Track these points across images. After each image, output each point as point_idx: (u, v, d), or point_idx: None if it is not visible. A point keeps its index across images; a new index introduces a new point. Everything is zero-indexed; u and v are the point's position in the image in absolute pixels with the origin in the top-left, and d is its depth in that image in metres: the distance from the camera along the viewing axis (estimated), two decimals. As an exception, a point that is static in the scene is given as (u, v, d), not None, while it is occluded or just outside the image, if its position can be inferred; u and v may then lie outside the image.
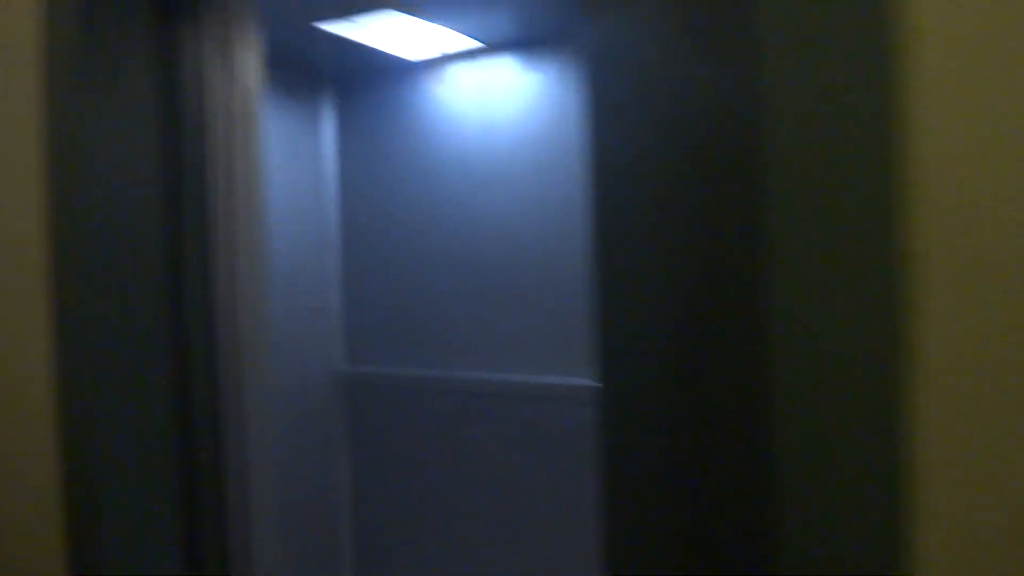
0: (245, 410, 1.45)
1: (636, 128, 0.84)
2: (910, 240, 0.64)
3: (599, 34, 0.85)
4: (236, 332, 1.44)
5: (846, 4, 0.64)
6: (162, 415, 1.36)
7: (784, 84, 0.67)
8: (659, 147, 0.83)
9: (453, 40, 2.69)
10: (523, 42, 2.78)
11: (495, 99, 2.87)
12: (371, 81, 3.17)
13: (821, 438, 0.67)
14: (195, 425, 1.40)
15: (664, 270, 0.84)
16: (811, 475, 0.68)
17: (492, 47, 2.83)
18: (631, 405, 0.87)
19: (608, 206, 0.87)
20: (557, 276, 2.77)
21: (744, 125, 0.76)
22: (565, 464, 2.78)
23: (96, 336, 1.26)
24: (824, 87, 0.65)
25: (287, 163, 3.10)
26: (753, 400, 0.78)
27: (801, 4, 0.66)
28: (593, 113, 0.87)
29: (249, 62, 1.48)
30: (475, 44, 2.76)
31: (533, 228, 2.81)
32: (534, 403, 2.83)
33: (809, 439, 0.68)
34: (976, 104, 0.61)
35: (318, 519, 3.24)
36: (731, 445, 0.80)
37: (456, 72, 2.96)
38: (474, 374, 2.96)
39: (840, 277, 0.66)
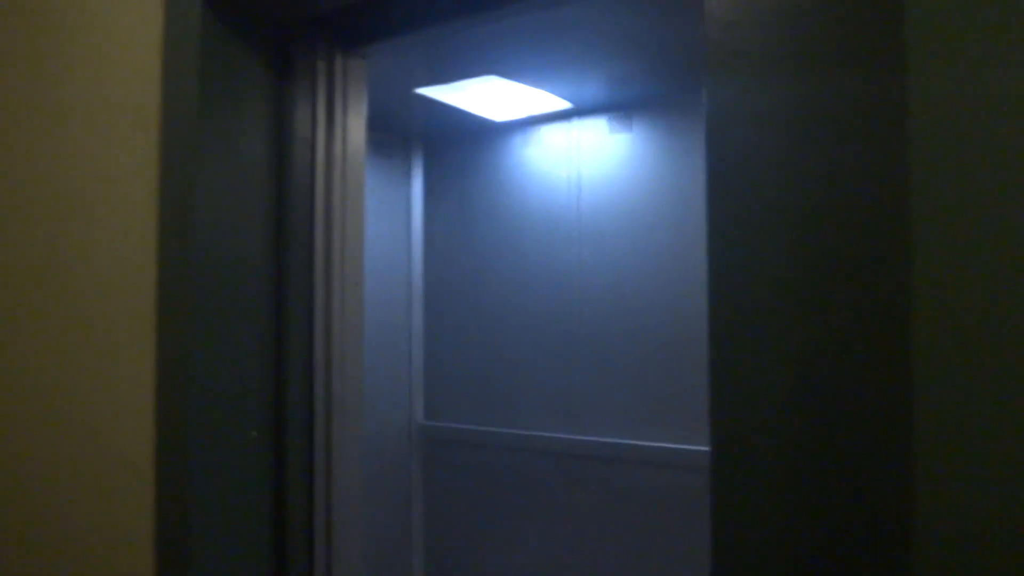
0: (337, 471, 1.46)
1: (759, 197, 0.84)
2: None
3: (722, 95, 0.85)
4: (332, 391, 1.47)
5: (1004, 71, 0.62)
6: (259, 472, 1.38)
7: (938, 154, 0.65)
8: (783, 219, 0.82)
9: (544, 101, 2.74)
10: (612, 104, 2.81)
11: (583, 159, 2.90)
12: (460, 141, 3.24)
13: (968, 531, 0.65)
14: (289, 483, 1.42)
15: (787, 342, 0.82)
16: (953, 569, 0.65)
17: (582, 109, 2.87)
18: (742, 476, 0.85)
19: (728, 274, 0.86)
20: (640, 338, 2.75)
21: (885, 213, 0.75)
22: (643, 529, 2.73)
23: (199, 391, 1.30)
24: (982, 162, 0.64)
25: (376, 219, 3.17)
26: (883, 482, 0.76)
27: (954, 69, 0.64)
28: (713, 172, 0.86)
29: (355, 126, 1.53)
30: (565, 105, 2.81)
31: (619, 287, 2.81)
32: (614, 466, 2.79)
33: (954, 530, 0.65)
34: None
35: (392, 570, 3.22)
36: (850, 533, 0.77)
37: (545, 132, 3.00)
38: (550, 434, 2.94)
39: (991, 370, 0.64)
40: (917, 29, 0.66)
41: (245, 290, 1.37)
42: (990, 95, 0.63)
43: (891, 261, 0.74)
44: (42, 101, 1.59)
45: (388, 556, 3.20)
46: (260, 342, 1.39)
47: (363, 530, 1.56)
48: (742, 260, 0.85)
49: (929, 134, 0.66)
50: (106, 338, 1.46)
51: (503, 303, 3.09)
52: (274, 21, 1.39)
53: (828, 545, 0.79)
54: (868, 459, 0.77)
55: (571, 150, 2.93)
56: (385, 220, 3.22)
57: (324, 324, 1.48)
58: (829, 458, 0.79)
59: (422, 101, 2.67)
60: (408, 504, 3.28)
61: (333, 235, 1.48)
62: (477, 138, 3.18)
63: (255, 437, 1.36)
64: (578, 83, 2.52)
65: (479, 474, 3.15)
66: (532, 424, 3.00)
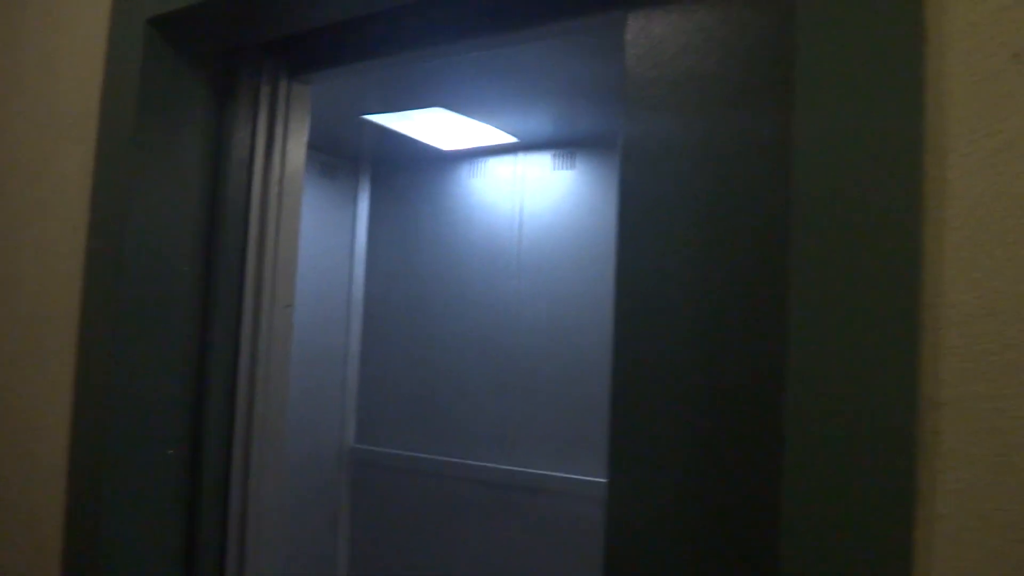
0: (255, 493, 1.47)
1: (664, 229, 0.88)
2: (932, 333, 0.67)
3: (633, 133, 0.90)
4: (254, 412, 1.48)
5: (882, 140, 0.68)
6: (174, 491, 1.38)
7: (813, 207, 0.71)
8: (685, 250, 0.87)
9: (490, 135, 2.79)
10: (557, 141, 2.88)
11: (527, 192, 2.96)
12: (408, 167, 3.27)
13: (831, 565, 0.69)
14: (203, 503, 1.42)
15: (681, 372, 0.87)
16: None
17: (526, 144, 2.93)
18: (637, 506, 0.89)
19: (630, 305, 0.90)
20: (575, 371, 2.80)
21: (776, 232, 0.81)
22: (569, 562, 2.76)
23: (118, 405, 1.30)
24: (856, 196, 0.69)
25: (320, 240, 3.18)
26: (762, 507, 0.80)
27: (836, 111, 0.70)
28: (622, 210, 0.91)
29: (295, 150, 1.55)
30: (510, 139, 2.87)
31: (556, 320, 2.86)
32: (544, 496, 2.82)
33: (819, 551, 0.70)
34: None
35: (315, 597, 3.20)
36: (737, 552, 0.82)
37: (492, 164, 3.05)
38: (482, 463, 2.96)
39: (858, 386, 0.69)
40: (804, 76, 0.72)
41: (171, 307, 1.38)
42: (861, 135, 0.70)
43: (779, 279, 0.79)
44: (-19, 107, 1.59)
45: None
46: (184, 360, 1.40)
47: (279, 553, 1.56)
48: (645, 293, 0.89)
49: (808, 165, 0.72)
50: (36, 343, 1.45)
51: (441, 330, 3.12)
52: (219, 44, 1.41)
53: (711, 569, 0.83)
54: (752, 501, 0.82)
55: (515, 183, 2.98)
56: (329, 241, 3.23)
57: (250, 345, 1.49)
58: (717, 491, 0.84)
59: (371, 127, 2.70)
60: (335, 526, 3.27)
61: (265, 256, 1.49)
62: (425, 165, 3.22)
63: (171, 455, 1.37)
64: (524, 119, 2.58)
65: (408, 500, 3.15)
66: (464, 452, 3.02)
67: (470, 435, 3.01)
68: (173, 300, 1.38)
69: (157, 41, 1.33)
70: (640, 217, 0.89)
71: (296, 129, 1.54)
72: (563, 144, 2.87)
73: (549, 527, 2.80)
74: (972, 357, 0.66)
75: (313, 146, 3.08)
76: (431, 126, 2.65)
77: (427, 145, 2.95)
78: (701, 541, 0.84)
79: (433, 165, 3.19)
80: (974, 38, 0.68)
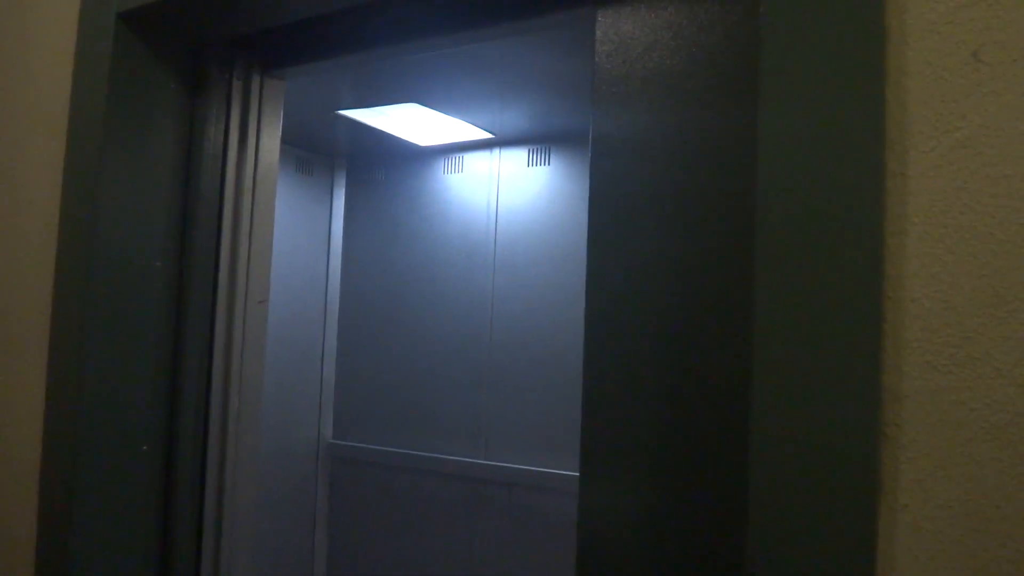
0: (230, 489, 1.46)
1: (633, 223, 0.89)
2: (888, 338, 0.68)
3: (602, 128, 0.91)
4: (228, 408, 1.47)
5: (844, 136, 0.70)
6: (148, 486, 1.38)
7: (777, 205, 0.72)
8: (655, 244, 0.88)
9: (465, 130, 2.79)
10: (532, 137, 2.88)
11: (502, 188, 2.96)
12: (385, 162, 3.26)
13: (795, 554, 0.71)
14: (177, 499, 1.42)
15: (650, 366, 0.88)
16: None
17: (502, 140, 2.93)
18: (609, 499, 0.90)
19: (601, 301, 0.91)
20: (550, 366, 2.81)
21: (744, 225, 0.82)
22: (544, 554, 2.77)
23: (90, 402, 1.29)
24: (819, 191, 0.71)
25: (295, 236, 3.17)
26: (730, 498, 0.82)
27: (799, 108, 0.71)
28: (593, 204, 0.91)
29: (269, 145, 1.54)
30: (486, 135, 2.87)
31: (531, 316, 2.86)
32: (519, 491, 2.84)
33: (783, 557, 0.71)
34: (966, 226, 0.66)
35: (292, 593, 3.19)
36: (702, 557, 0.83)
37: (468, 159, 3.05)
38: (458, 458, 2.97)
39: (821, 379, 0.70)
40: (767, 72, 0.73)
41: (144, 302, 1.37)
42: (824, 131, 0.71)
43: (745, 272, 0.80)
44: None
45: (289, 574, 3.17)
46: (157, 356, 1.39)
47: (253, 547, 1.55)
48: (615, 290, 0.90)
49: (771, 159, 0.73)
50: (6, 338, 1.44)
51: (418, 325, 3.12)
52: (190, 39, 1.40)
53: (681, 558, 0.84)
54: (718, 493, 0.83)
55: (491, 178, 2.98)
56: (304, 237, 3.22)
57: (225, 340, 1.48)
58: (685, 492, 0.85)
59: (346, 122, 2.69)
60: (312, 522, 3.26)
61: (239, 251, 1.49)
62: (401, 161, 3.21)
63: (145, 451, 1.36)
64: (499, 115, 2.58)
65: (385, 494, 3.15)
66: (441, 447, 3.03)
67: (446, 430, 3.02)
68: (145, 295, 1.37)
69: (127, 35, 1.32)
70: (610, 212, 0.90)
71: (269, 124, 1.54)
72: (538, 140, 2.87)
73: (524, 521, 2.81)
74: (933, 350, 0.68)
75: (288, 141, 3.07)
76: (406, 122, 2.65)
77: (403, 140, 2.94)
78: (671, 533, 0.85)
79: (409, 160, 3.19)
80: (934, 36, 0.69)
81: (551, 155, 2.85)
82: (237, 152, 1.49)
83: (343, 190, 3.34)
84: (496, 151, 2.98)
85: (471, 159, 3.03)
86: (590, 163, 0.91)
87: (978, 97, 0.67)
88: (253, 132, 1.51)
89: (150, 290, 1.38)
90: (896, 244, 0.69)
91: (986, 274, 0.66)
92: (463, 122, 2.66)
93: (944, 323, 0.67)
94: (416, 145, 3.02)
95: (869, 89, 0.69)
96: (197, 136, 1.45)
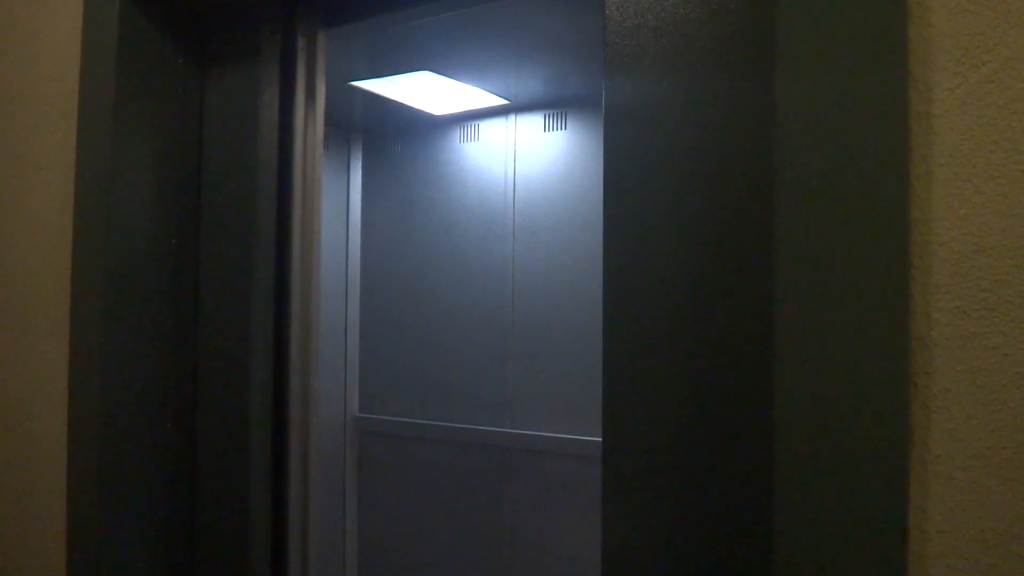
0: (299, 468, 1.45)
1: (649, 182, 0.87)
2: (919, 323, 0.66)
3: (617, 92, 0.88)
4: (289, 385, 1.46)
5: (865, 76, 0.67)
6: (169, 461, 1.38)
7: (798, 146, 0.70)
8: (672, 209, 0.86)
9: (480, 97, 2.76)
10: (548, 102, 2.85)
11: (519, 155, 2.93)
12: (400, 134, 3.24)
13: (824, 508, 0.69)
14: (209, 476, 1.42)
15: (672, 332, 0.86)
16: (810, 549, 0.69)
17: (518, 106, 2.90)
18: (632, 465, 0.89)
19: (620, 264, 0.89)
20: (572, 333, 2.79)
21: (759, 191, 0.79)
22: (575, 521, 2.78)
23: (111, 381, 1.30)
24: (838, 152, 0.68)
25: (313, 211, 3.16)
26: (755, 468, 0.80)
27: (819, 48, 0.69)
28: (608, 165, 0.89)
29: (321, 107, 1.49)
30: (502, 102, 2.83)
31: (552, 282, 2.85)
32: (545, 458, 2.84)
33: (811, 510, 0.70)
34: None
35: (325, 563, 3.23)
36: (728, 518, 0.82)
37: (484, 127, 3.03)
38: (484, 427, 2.97)
39: (849, 328, 0.68)
40: (784, 41, 0.70)
41: (159, 281, 1.37)
42: (842, 99, 0.68)
43: (765, 237, 0.78)
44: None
45: (321, 548, 3.20)
46: (172, 334, 1.39)
47: (320, 529, 1.54)
48: (634, 255, 0.88)
49: (792, 129, 0.70)
50: (25, 323, 1.45)
51: (440, 296, 3.11)
52: (196, 8, 1.39)
53: (707, 539, 0.83)
54: (744, 452, 0.81)
55: (508, 145, 2.95)
56: (324, 212, 3.21)
57: (300, 320, 1.47)
58: (709, 454, 0.83)
59: (361, 94, 2.67)
60: (342, 496, 3.29)
61: (312, 223, 1.48)
62: (417, 132, 3.19)
63: (170, 428, 1.37)
64: (514, 80, 2.55)
65: (413, 466, 3.17)
66: (467, 417, 3.03)
67: (471, 400, 3.02)
68: (160, 273, 1.37)
69: (132, 11, 1.31)
70: (625, 171, 0.88)
71: (322, 86, 1.49)
72: (554, 104, 2.84)
73: (552, 488, 2.82)
74: (963, 295, 0.65)
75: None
76: (420, 90, 2.62)
77: (418, 110, 2.92)
78: (695, 492, 0.84)
79: (425, 131, 3.16)
80: (958, -33, 0.66)
81: (568, 119, 2.81)
82: (304, 115, 1.46)
83: (360, 164, 3.33)
84: (512, 117, 2.94)
85: (487, 127, 3.00)
86: (604, 119, 0.88)
87: (1004, 29, 0.64)
88: (321, 94, 1.47)
89: (165, 267, 1.37)
90: (922, 187, 0.66)
91: (1017, 214, 0.63)
92: (477, 89, 2.63)
93: (974, 266, 0.65)
94: (431, 115, 2.99)
95: (891, 26, 0.66)
96: (245, 104, 1.39)
